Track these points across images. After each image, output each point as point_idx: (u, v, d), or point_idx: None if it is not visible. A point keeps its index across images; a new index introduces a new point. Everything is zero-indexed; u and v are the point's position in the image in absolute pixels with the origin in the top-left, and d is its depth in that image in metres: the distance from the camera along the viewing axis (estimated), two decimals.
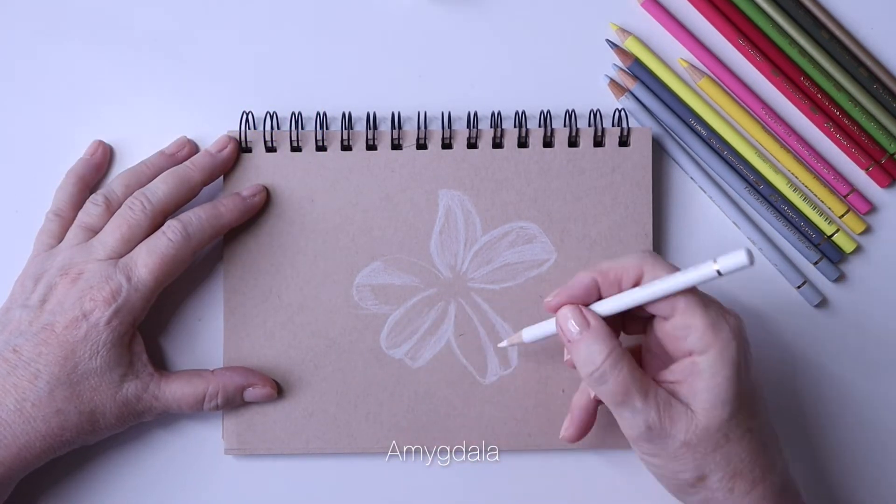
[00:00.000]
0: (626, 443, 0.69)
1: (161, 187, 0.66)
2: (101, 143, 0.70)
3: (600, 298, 0.61)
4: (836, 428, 0.71)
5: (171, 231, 0.64)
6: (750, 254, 0.55)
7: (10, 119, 0.71)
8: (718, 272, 0.56)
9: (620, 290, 0.60)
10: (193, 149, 0.70)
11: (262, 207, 0.68)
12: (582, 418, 0.64)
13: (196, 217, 0.65)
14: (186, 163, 0.67)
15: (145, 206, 0.65)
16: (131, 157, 0.70)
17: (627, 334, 0.63)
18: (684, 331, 0.58)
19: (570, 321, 0.59)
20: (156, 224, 0.65)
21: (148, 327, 0.69)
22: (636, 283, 0.59)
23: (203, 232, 0.65)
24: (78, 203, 0.68)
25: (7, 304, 0.65)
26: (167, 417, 0.69)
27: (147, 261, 0.64)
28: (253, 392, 0.67)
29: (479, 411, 0.69)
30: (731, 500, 0.59)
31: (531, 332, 0.64)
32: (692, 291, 0.59)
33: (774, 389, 0.71)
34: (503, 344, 0.67)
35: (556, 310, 0.61)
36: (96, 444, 0.68)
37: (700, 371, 0.58)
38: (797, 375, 0.71)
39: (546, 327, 0.63)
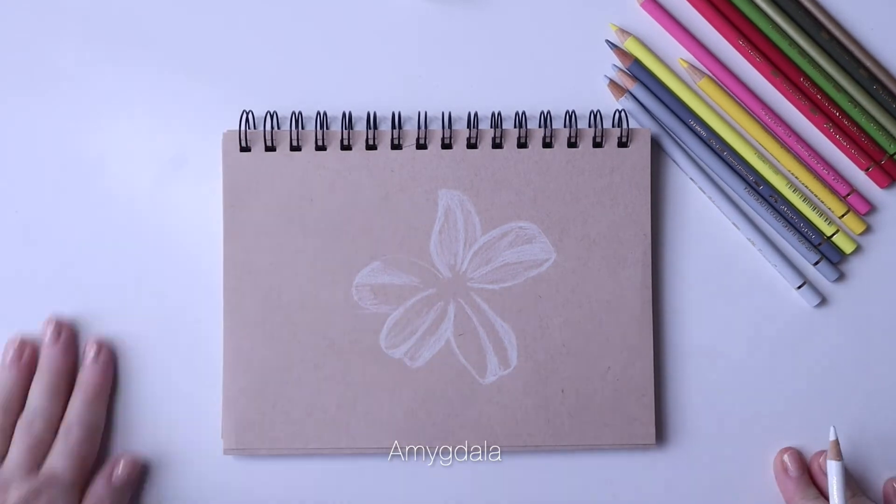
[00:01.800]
0: (626, 442, 0.69)
1: (41, 402, 0.67)
2: None
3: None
4: (836, 429, 0.71)
5: (71, 436, 0.67)
6: None
7: (9, 119, 0.71)
8: None
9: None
10: (35, 347, 0.69)
11: (263, 209, 0.68)
12: None
13: (84, 414, 0.68)
14: (42, 364, 0.68)
15: (40, 425, 0.67)
16: (132, 158, 0.70)
17: None
18: None
19: None
20: (55, 429, 0.67)
21: (148, 328, 0.69)
22: None
23: (97, 415, 0.68)
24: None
25: None
26: (165, 415, 0.69)
27: (65, 464, 0.66)
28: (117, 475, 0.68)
29: (479, 411, 0.69)
30: None
31: None
32: None
33: (773, 391, 0.71)
34: None
35: None
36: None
37: None
38: (797, 376, 0.71)
39: None
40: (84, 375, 0.69)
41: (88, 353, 0.69)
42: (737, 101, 0.72)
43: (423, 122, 0.69)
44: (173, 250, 0.70)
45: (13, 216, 0.70)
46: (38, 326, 0.69)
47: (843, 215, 0.72)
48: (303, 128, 0.70)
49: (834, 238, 0.71)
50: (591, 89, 0.71)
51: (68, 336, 0.69)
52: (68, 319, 0.70)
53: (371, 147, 0.69)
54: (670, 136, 0.71)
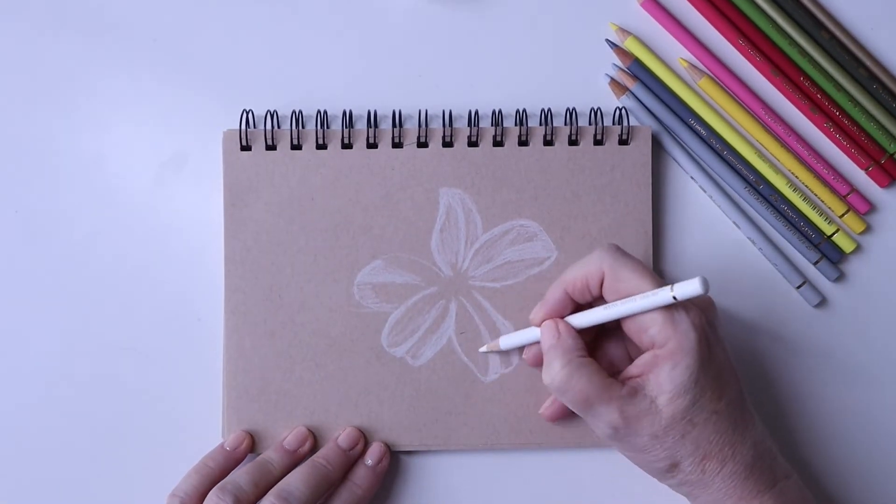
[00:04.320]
0: None
1: (301, 488, 0.64)
2: (247, 435, 0.68)
3: (578, 306, 0.64)
4: (836, 428, 0.71)
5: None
6: (705, 282, 0.58)
7: (10, 119, 0.71)
8: (674, 298, 0.59)
9: (590, 294, 0.63)
10: (314, 443, 0.68)
11: (263, 208, 0.68)
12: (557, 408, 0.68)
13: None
14: (320, 459, 0.66)
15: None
16: (132, 158, 0.70)
17: (608, 327, 0.65)
18: (646, 325, 0.60)
19: (544, 335, 0.63)
20: None
21: (148, 327, 0.69)
22: (602, 284, 0.62)
23: None
24: (202, 493, 0.65)
25: None
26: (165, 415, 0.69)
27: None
28: None
29: (481, 409, 0.69)
30: (703, 481, 0.61)
31: (507, 341, 0.67)
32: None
33: (774, 390, 0.71)
34: (483, 349, 0.68)
35: (540, 324, 0.64)
36: (95, 444, 0.69)
37: (661, 362, 0.60)
38: (797, 376, 0.71)
39: (521, 336, 0.67)
40: (357, 481, 0.67)
41: (369, 459, 0.68)
42: (737, 101, 0.72)
43: (424, 121, 0.69)
44: (174, 250, 0.70)
45: (13, 216, 0.70)
46: (38, 326, 0.69)
47: (843, 214, 0.72)
48: (303, 127, 0.70)
49: (834, 237, 0.72)
50: (591, 88, 0.71)
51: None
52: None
53: (372, 146, 0.69)
54: (671, 135, 0.71)
